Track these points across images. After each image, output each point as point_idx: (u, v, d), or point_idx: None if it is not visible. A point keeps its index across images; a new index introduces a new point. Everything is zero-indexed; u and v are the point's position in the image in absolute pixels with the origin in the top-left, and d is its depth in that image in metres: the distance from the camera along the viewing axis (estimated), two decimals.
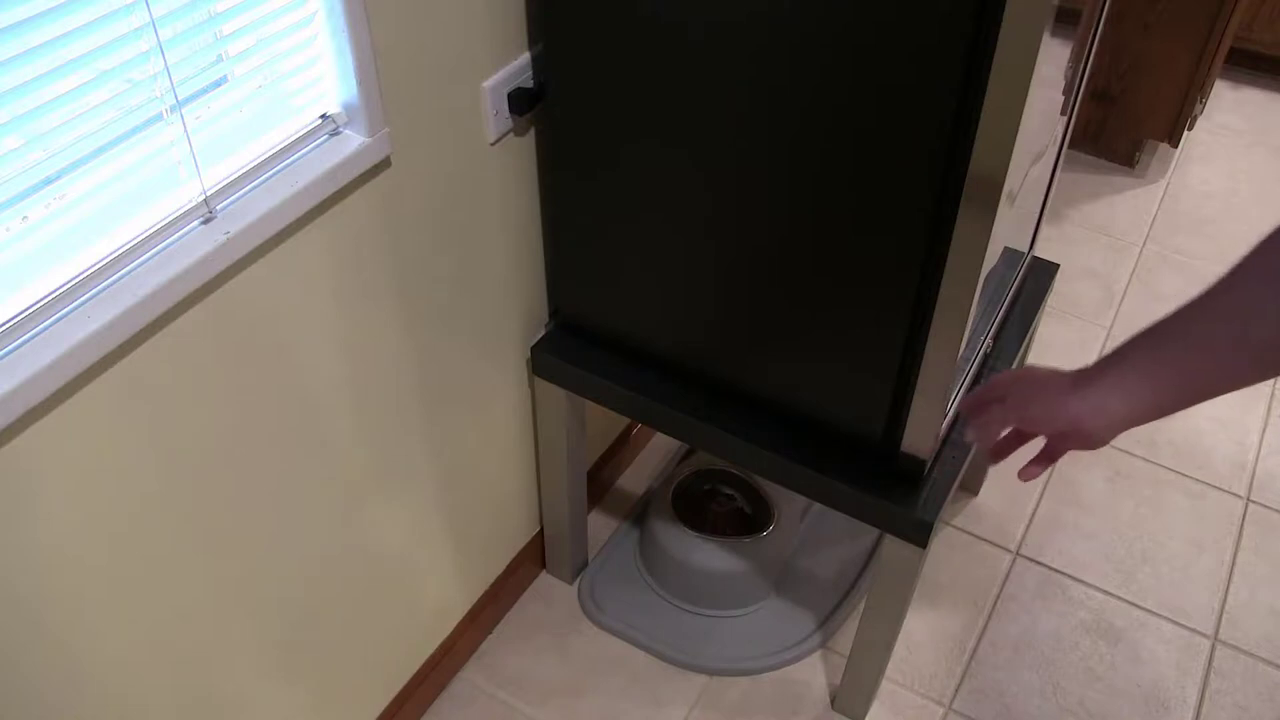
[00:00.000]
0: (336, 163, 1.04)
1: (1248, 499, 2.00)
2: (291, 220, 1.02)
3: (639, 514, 1.91)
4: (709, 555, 1.72)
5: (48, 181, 0.84)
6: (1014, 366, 1.53)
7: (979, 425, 1.10)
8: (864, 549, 1.85)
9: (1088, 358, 2.19)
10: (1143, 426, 2.10)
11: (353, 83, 1.03)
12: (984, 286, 1.16)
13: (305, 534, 1.23)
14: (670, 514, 1.76)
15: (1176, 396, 0.84)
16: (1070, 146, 2.80)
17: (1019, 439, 1.10)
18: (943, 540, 1.91)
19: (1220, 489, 2.02)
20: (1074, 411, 0.93)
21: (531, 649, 1.72)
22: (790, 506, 1.80)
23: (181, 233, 0.94)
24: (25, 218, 0.83)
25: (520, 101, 1.26)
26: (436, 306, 1.29)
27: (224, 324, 1.00)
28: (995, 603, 1.81)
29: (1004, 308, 1.52)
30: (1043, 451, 1.07)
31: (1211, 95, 3.05)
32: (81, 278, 0.87)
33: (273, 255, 1.03)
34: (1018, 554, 1.89)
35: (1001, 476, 2.00)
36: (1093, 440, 0.99)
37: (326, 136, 1.06)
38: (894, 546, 1.36)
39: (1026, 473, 1.06)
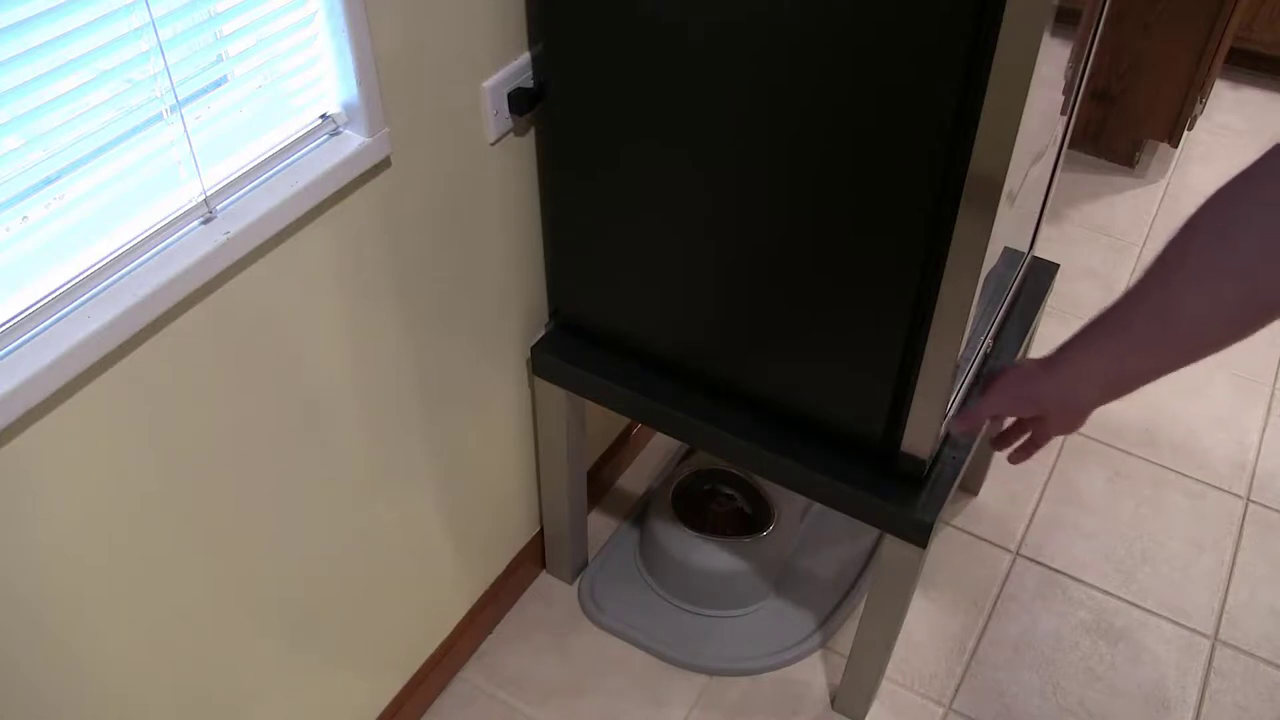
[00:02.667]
0: (336, 163, 1.04)
1: (1248, 499, 2.00)
2: (291, 220, 1.02)
3: (639, 514, 1.91)
4: (709, 555, 1.72)
5: (48, 181, 0.84)
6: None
7: (965, 416, 1.17)
8: (864, 549, 1.85)
9: None
10: (1142, 426, 2.11)
11: (353, 83, 1.03)
12: (984, 286, 1.16)
13: (305, 534, 1.23)
14: (670, 514, 1.76)
15: (1124, 382, 0.93)
16: (1070, 146, 2.79)
17: (1019, 429, 1.16)
18: (943, 540, 1.91)
19: (1220, 489, 2.02)
20: (1041, 391, 1.03)
21: (531, 649, 1.72)
22: (790, 506, 1.80)
23: (181, 233, 0.94)
24: (25, 218, 0.83)
25: (520, 101, 1.26)
26: (436, 306, 1.29)
27: (224, 324, 1.00)
28: (995, 603, 1.81)
29: (1004, 308, 1.52)
30: (1029, 439, 1.14)
31: (1211, 95, 3.04)
32: (81, 278, 0.86)
33: (273, 255, 1.03)
34: (1018, 554, 1.89)
35: (1001, 476, 2.00)
36: (1065, 419, 1.06)
37: (326, 136, 1.06)
38: (894, 546, 1.36)
39: (1015, 457, 1.15)
